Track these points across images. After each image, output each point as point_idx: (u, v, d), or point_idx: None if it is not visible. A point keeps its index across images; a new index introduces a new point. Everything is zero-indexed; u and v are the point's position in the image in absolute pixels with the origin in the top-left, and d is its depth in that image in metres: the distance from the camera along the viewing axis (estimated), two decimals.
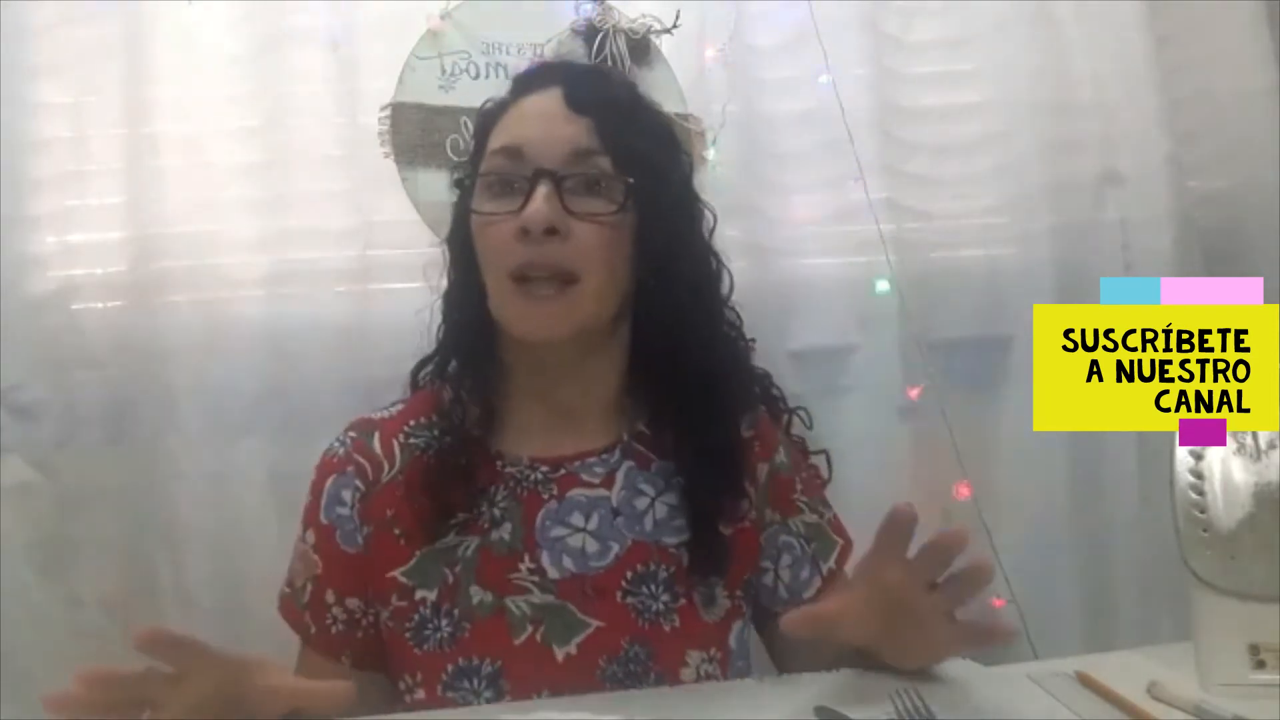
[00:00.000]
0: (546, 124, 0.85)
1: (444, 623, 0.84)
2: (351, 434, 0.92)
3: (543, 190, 0.81)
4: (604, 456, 0.89)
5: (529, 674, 0.83)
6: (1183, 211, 1.40)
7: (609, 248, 0.84)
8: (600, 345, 0.89)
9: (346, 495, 0.88)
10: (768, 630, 0.96)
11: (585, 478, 0.88)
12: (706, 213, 0.96)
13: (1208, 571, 0.75)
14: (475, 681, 0.83)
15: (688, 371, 0.88)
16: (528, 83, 0.91)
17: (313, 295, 1.30)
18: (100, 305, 1.27)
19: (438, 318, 0.99)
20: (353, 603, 0.88)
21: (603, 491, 0.88)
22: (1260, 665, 0.73)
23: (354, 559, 0.88)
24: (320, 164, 1.31)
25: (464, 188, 0.91)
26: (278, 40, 1.31)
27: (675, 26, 1.35)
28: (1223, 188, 1.44)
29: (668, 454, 0.89)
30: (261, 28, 1.30)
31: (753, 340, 1.00)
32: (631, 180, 0.84)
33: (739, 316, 0.98)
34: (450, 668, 0.83)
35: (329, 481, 0.90)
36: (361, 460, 0.89)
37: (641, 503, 0.88)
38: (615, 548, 0.86)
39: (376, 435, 0.91)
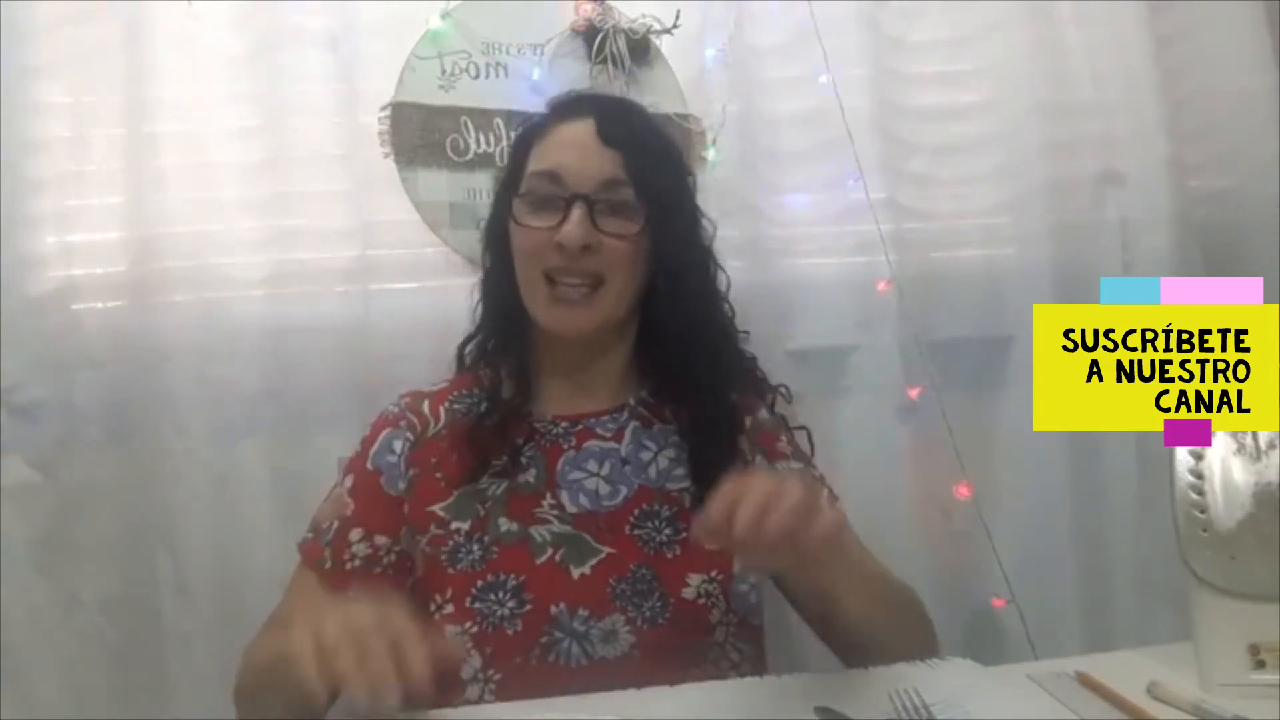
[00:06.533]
0: (582, 154, 0.99)
1: (475, 547, 0.95)
2: (405, 399, 1.07)
3: (577, 213, 0.96)
4: (615, 415, 1.04)
5: (547, 588, 0.93)
6: (1183, 211, 1.40)
7: (631, 259, 0.99)
8: (614, 331, 1.04)
9: (398, 445, 1.02)
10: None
11: (600, 431, 1.03)
12: (707, 223, 1.11)
13: (1208, 571, 0.75)
14: (501, 594, 0.93)
15: (688, 353, 1.02)
16: (563, 111, 1.05)
17: (313, 295, 1.30)
18: (100, 305, 1.27)
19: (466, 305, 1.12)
20: (381, 540, 0.98)
21: (613, 444, 1.02)
22: (1260, 665, 0.73)
23: (393, 500, 1.00)
24: (320, 164, 1.31)
25: (502, 194, 1.06)
26: (278, 40, 1.31)
27: (675, 26, 1.36)
28: (1223, 188, 1.44)
29: (668, 419, 1.04)
30: (261, 28, 1.30)
31: (745, 333, 1.13)
32: (653, 202, 0.98)
33: (733, 310, 1.11)
34: (479, 583, 0.94)
35: (383, 434, 1.03)
36: (413, 417, 1.04)
37: (646, 455, 1.02)
38: (624, 490, 0.99)
39: (426, 401, 1.06)
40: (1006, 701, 0.73)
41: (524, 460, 1.00)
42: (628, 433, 1.03)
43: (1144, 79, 1.41)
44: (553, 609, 0.92)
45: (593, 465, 1.00)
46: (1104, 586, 1.38)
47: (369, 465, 1.01)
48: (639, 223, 0.98)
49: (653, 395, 1.06)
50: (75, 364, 1.25)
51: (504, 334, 1.06)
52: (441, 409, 1.04)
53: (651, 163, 1.01)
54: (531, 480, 0.99)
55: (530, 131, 1.06)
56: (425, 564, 0.97)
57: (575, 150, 0.99)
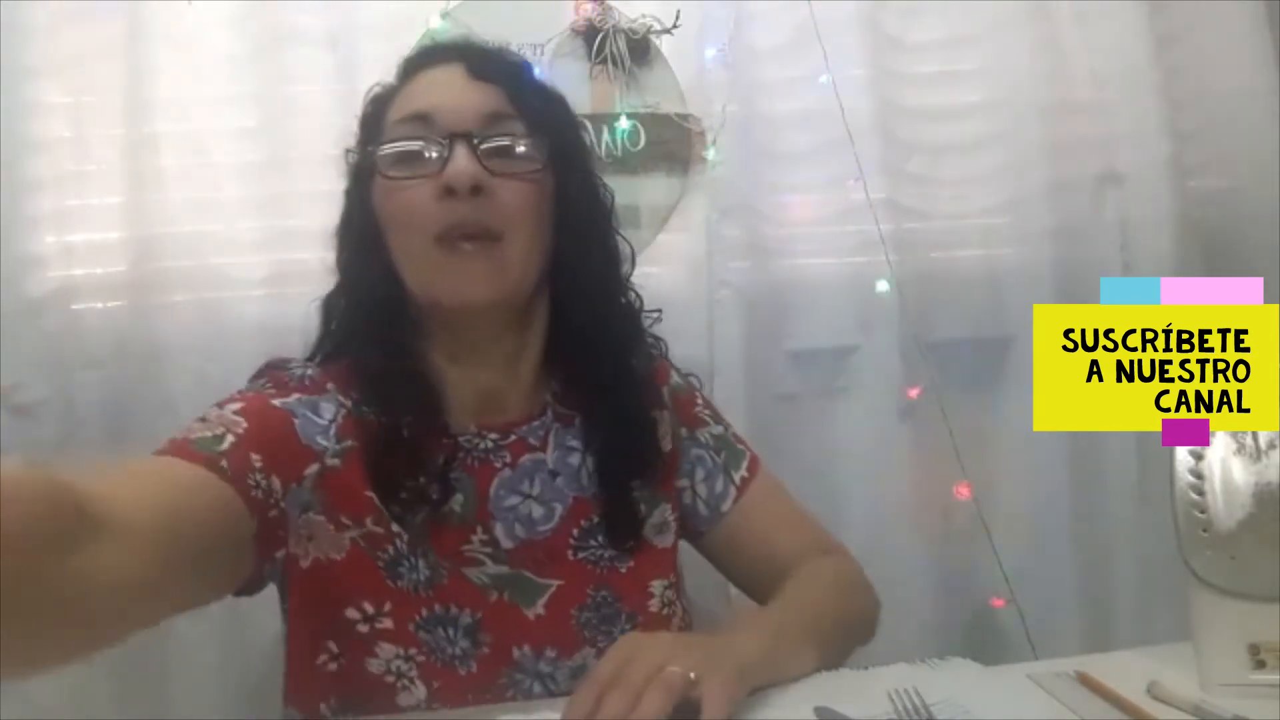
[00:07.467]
0: (454, 91, 0.83)
1: (421, 564, 0.81)
2: (311, 369, 0.87)
3: (461, 149, 0.79)
4: (541, 420, 0.89)
5: (508, 628, 0.82)
6: (1183, 211, 1.40)
7: (532, 206, 0.82)
8: (522, 320, 0.87)
9: (327, 409, 0.81)
10: (704, 546, 0.98)
11: (531, 441, 0.88)
12: (606, 193, 0.95)
13: (1208, 571, 0.74)
14: (452, 630, 0.81)
15: (600, 337, 0.88)
16: (421, 61, 0.88)
17: (313, 295, 1.29)
18: (100, 305, 1.27)
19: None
20: (276, 483, 0.75)
21: (540, 455, 0.87)
22: (1260, 665, 0.73)
23: (303, 451, 0.78)
24: (320, 164, 1.31)
25: (359, 170, 0.87)
26: (278, 40, 1.31)
27: (675, 26, 1.36)
28: (1223, 188, 1.44)
29: (584, 410, 0.90)
30: (261, 28, 1.30)
31: (658, 311, 0.99)
32: (548, 141, 0.83)
33: (639, 295, 0.96)
34: (426, 611, 0.80)
35: (297, 395, 0.81)
36: (334, 387, 0.84)
37: (574, 459, 0.88)
38: (559, 508, 0.86)
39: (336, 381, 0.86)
40: (1006, 701, 0.73)
41: (449, 482, 0.82)
42: (552, 437, 0.88)
43: (1144, 79, 1.41)
44: (515, 651, 0.81)
45: (526, 485, 0.85)
46: (1104, 586, 1.38)
47: (277, 403, 0.79)
48: (537, 161, 0.82)
49: (564, 387, 0.90)
50: (75, 364, 1.25)
51: (388, 342, 0.84)
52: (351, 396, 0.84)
53: (539, 96, 0.86)
54: (458, 509, 0.82)
55: (383, 93, 0.89)
56: (352, 557, 0.79)
57: (444, 89, 0.83)
